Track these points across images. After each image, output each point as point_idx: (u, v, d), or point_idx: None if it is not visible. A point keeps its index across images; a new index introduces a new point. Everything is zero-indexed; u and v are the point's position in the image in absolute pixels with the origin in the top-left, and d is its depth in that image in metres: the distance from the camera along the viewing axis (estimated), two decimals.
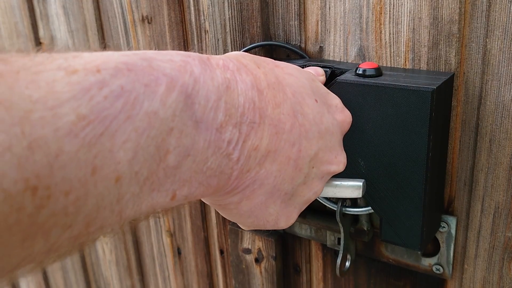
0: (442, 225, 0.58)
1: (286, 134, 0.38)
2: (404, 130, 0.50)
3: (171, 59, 0.30)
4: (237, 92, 0.34)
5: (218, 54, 0.65)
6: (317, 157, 0.42)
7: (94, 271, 1.03)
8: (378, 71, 0.52)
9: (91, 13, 0.76)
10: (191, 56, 0.32)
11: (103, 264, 1.00)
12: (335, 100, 0.47)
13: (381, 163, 0.53)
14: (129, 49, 0.74)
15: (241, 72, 0.35)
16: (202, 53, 0.67)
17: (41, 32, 0.85)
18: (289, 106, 0.38)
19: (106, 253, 0.98)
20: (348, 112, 0.48)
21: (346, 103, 0.53)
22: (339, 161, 0.45)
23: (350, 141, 0.54)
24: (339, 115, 0.45)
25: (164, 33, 0.69)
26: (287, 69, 0.41)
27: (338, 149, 0.45)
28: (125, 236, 0.91)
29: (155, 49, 0.70)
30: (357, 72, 0.53)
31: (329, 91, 0.47)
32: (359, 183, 0.51)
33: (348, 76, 0.53)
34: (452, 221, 0.58)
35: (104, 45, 0.77)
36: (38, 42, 0.86)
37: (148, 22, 0.68)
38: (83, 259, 1.04)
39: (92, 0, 0.75)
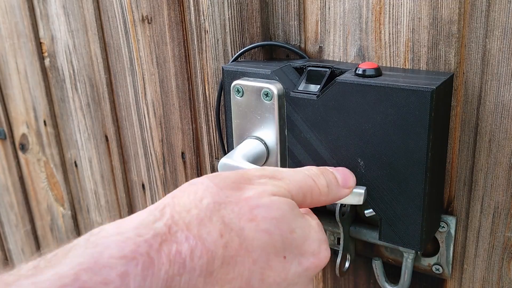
0: (442, 225, 0.58)
1: None
2: (404, 130, 0.50)
3: (106, 280, 0.28)
4: (179, 287, 0.31)
5: (218, 54, 0.65)
6: None
7: None
8: (378, 71, 0.52)
9: (91, 13, 0.75)
10: (137, 259, 0.30)
11: None
12: (313, 245, 0.39)
13: (381, 163, 0.53)
14: (129, 50, 0.74)
15: (195, 255, 0.32)
16: (201, 54, 0.68)
17: (41, 32, 0.84)
18: (244, 278, 0.35)
19: None
20: (326, 251, 0.40)
21: (346, 103, 0.53)
22: None
23: (350, 141, 0.54)
24: (313, 262, 0.39)
25: (164, 33, 0.69)
26: (264, 224, 0.35)
27: None
28: None
29: (155, 49, 0.70)
30: (356, 72, 0.53)
31: (310, 235, 0.39)
32: (360, 190, 0.51)
33: (347, 76, 0.53)
34: (452, 221, 0.58)
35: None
36: (38, 42, 0.85)
37: (148, 22, 0.68)
38: None
39: (92, 0, 0.75)
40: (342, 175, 0.46)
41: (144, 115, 0.74)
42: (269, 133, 0.58)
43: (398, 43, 0.55)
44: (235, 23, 0.63)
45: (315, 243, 0.39)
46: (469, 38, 0.50)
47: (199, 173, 0.74)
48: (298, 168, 0.42)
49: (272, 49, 0.65)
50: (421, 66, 0.54)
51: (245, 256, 0.34)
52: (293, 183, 0.40)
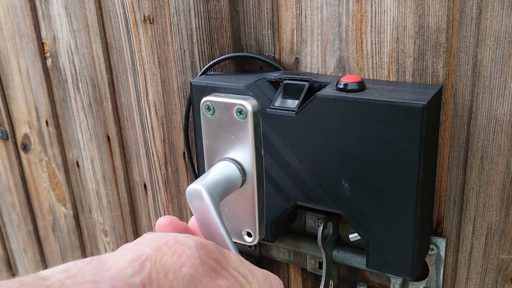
0: (431, 247, 0.55)
1: None
2: (392, 149, 0.46)
3: None
4: None
5: (185, 67, 0.60)
6: None
7: None
8: (361, 85, 0.48)
9: (93, 13, 0.73)
10: None
11: None
12: None
13: (367, 185, 0.48)
14: (131, 50, 0.70)
15: None
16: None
17: (43, 32, 0.83)
18: None
19: (108, 252, 0.93)
20: None
21: (328, 120, 0.48)
22: None
23: (333, 161, 0.49)
24: None
25: (165, 33, 0.64)
26: None
27: None
28: (127, 235, 0.89)
29: (157, 49, 0.65)
30: (338, 86, 0.48)
31: None
32: None
33: (329, 91, 0.48)
34: (442, 242, 0.54)
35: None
36: (40, 42, 0.84)
37: (150, 23, 0.64)
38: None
39: (94, 1, 0.73)
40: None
41: (146, 115, 0.72)
42: (244, 154, 0.53)
43: (381, 53, 0.50)
44: (203, 33, 0.58)
45: None
46: (459, 47, 0.47)
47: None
48: (268, 275, 0.40)
49: (245, 61, 0.60)
50: (406, 78, 0.50)
51: None
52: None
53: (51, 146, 0.92)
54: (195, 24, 0.58)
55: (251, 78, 0.54)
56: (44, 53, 0.84)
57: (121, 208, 0.86)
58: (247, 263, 0.39)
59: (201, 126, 0.55)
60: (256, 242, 0.57)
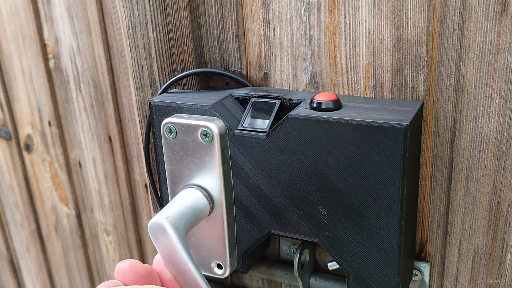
0: (415, 273, 0.51)
1: None
2: (372, 173, 0.42)
3: None
4: None
5: (144, 84, 0.55)
6: None
7: (98, 269, 1.00)
8: (337, 104, 0.44)
9: (95, 15, 0.72)
10: None
11: (107, 262, 0.96)
12: None
13: (346, 211, 0.45)
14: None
15: None
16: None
17: (46, 34, 0.82)
18: None
19: (110, 252, 0.94)
20: None
21: (301, 142, 0.44)
22: None
23: (308, 186, 0.45)
24: None
25: None
26: None
27: None
28: (129, 235, 0.88)
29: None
30: (312, 105, 0.44)
31: None
32: None
33: (302, 111, 0.44)
34: (425, 267, 0.51)
35: None
36: (43, 44, 0.83)
37: None
38: (87, 258, 1.00)
39: (95, 2, 0.72)
40: None
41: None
42: (211, 180, 0.48)
43: (357, 68, 0.47)
44: (162, 47, 0.53)
45: None
46: (440, 61, 0.43)
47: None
48: None
49: (209, 77, 0.55)
50: (384, 94, 0.46)
51: None
52: None
53: (54, 147, 0.92)
54: (153, 37, 0.53)
55: (217, 96, 0.50)
56: (47, 55, 0.84)
57: (123, 207, 0.86)
58: None
59: (162, 150, 0.50)
60: (227, 274, 0.52)
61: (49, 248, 1.07)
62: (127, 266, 0.37)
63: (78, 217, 0.96)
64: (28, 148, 1.00)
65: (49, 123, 0.91)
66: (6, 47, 0.90)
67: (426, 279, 0.51)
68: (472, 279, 0.49)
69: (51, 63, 0.84)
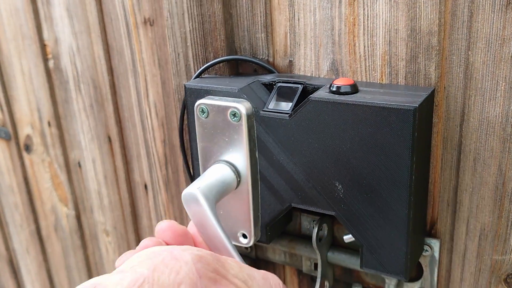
0: (425, 249, 0.55)
1: None
2: (384, 151, 0.46)
3: None
4: None
5: (180, 70, 0.60)
6: None
7: (98, 270, 1.01)
8: (354, 88, 0.48)
9: (94, 15, 0.74)
10: None
11: (106, 263, 0.98)
12: None
13: (360, 187, 0.49)
14: (132, 51, 0.72)
15: None
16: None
17: (45, 34, 0.83)
18: None
19: (109, 252, 0.95)
20: None
21: (321, 122, 0.48)
22: None
23: (326, 163, 0.50)
24: None
25: (165, 35, 0.65)
26: None
27: None
28: (128, 235, 0.89)
29: (157, 51, 0.66)
30: (331, 89, 0.49)
31: None
32: None
33: (322, 94, 0.49)
34: (436, 244, 0.54)
35: None
36: (42, 44, 0.85)
37: (150, 25, 0.65)
38: (87, 258, 1.02)
39: (95, 3, 0.73)
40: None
41: (147, 116, 0.72)
42: (238, 156, 0.53)
43: (374, 56, 0.51)
44: (197, 36, 0.58)
45: None
46: (450, 50, 0.47)
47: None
48: (267, 276, 0.40)
49: (239, 64, 0.60)
50: (399, 80, 0.50)
51: None
52: None
53: (53, 147, 0.93)
54: (189, 27, 0.58)
55: (245, 81, 0.55)
56: (46, 55, 0.84)
57: (122, 208, 0.86)
58: (246, 266, 0.39)
59: (195, 128, 0.55)
60: (251, 243, 0.57)
61: (49, 249, 1.08)
62: (166, 225, 0.42)
63: (78, 217, 0.96)
64: (28, 148, 0.98)
65: (49, 124, 0.89)
66: (6, 48, 0.89)
67: (436, 254, 0.55)
68: (479, 255, 0.52)
69: (51, 63, 0.84)
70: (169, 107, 0.67)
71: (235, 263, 0.38)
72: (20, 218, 1.10)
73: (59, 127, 0.89)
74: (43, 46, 0.84)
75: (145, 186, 0.81)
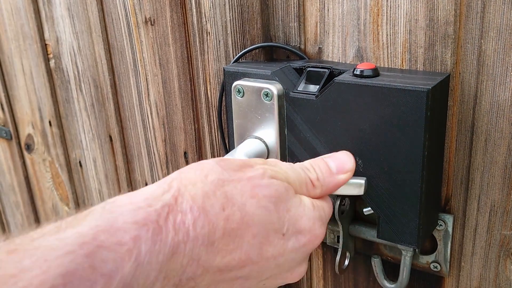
0: (439, 223, 0.59)
1: (234, 272, 0.37)
2: (400, 130, 0.51)
3: (120, 241, 0.31)
4: (183, 254, 0.34)
5: (220, 56, 0.66)
6: (269, 280, 0.41)
7: None
8: (375, 72, 0.53)
9: (96, 15, 0.77)
10: (148, 225, 0.33)
11: None
12: (307, 222, 0.42)
13: (378, 162, 0.54)
14: (133, 51, 0.75)
15: (197, 225, 0.35)
16: (203, 55, 0.69)
17: (47, 34, 0.85)
18: (243, 250, 0.37)
19: None
20: (321, 228, 0.43)
21: (344, 103, 0.54)
22: (295, 276, 0.43)
23: (348, 140, 0.55)
24: (310, 238, 0.42)
25: (167, 35, 0.70)
26: (264, 201, 0.38)
27: (298, 266, 0.43)
28: None
29: (158, 51, 0.71)
30: (354, 72, 0.54)
31: (305, 213, 0.42)
32: (361, 180, 0.50)
33: (346, 77, 0.54)
34: (449, 219, 0.59)
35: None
36: (43, 44, 0.87)
37: (151, 24, 0.69)
38: None
39: (96, 2, 0.76)
40: (337, 161, 0.47)
41: (147, 116, 0.75)
42: (269, 132, 0.59)
43: (396, 44, 0.55)
44: (236, 25, 0.65)
45: (309, 221, 0.42)
46: (465, 39, 0.51)
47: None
48: (294, 164, 0.45)
49: (273, 50, 0.66)
50: (418, 66, 0.55)
51: (245, 229, 0.37)
52: (290, 173, 0.43)
53: (54, 146, 0.93)
54: (229, 16, 0.64)
55: (278, 66, 0.61)
56: (48, 54, 0.85)
57: None
58: (272, 159, 0.43)
59: (232, 107, 0.61)
60: None
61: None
62: None
63: None
64: (29, 148, 0.97)
65: (50, 123, 0.89)
66: (7, 47, 0.89)
67: (450, 229, 0.59)
68: (489, 230, 0.56)
69: (52, 63, 0.83)
70: (170, 107, 0.68)
71: (260, 159, 0.42)
72: (21, 217, 1.10)
73: (60, 126, 0.89)
74: (44, 46, 0.84)
75: (146, 185, 0.79)
